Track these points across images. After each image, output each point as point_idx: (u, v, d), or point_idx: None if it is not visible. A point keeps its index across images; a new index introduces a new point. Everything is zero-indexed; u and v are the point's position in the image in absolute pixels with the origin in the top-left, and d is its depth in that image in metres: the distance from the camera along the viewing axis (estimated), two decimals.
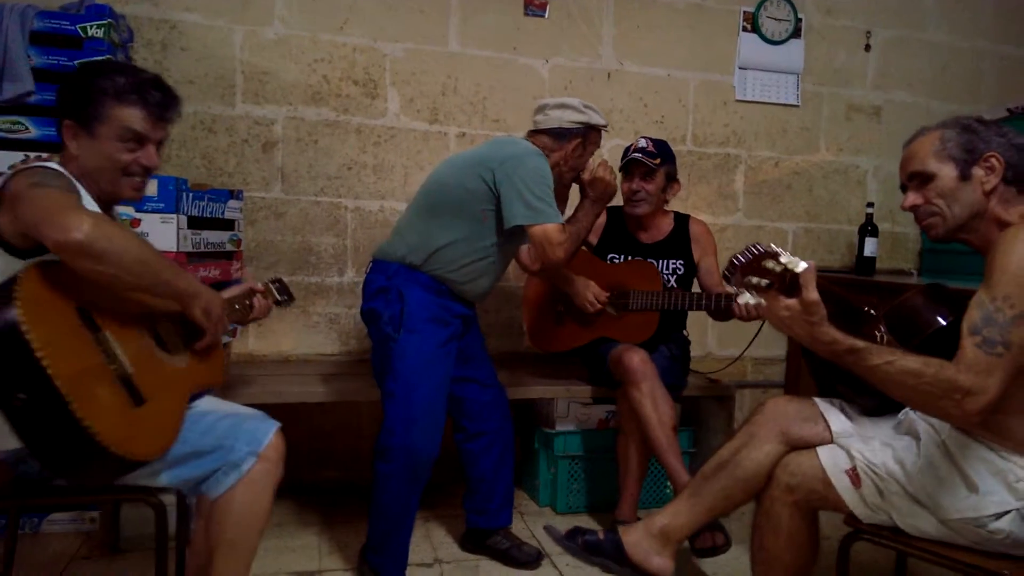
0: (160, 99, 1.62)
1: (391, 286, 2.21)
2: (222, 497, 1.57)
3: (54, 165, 1.56)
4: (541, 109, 2.34)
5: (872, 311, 1.56)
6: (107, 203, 1.69)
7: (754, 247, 1.47)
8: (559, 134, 2.29)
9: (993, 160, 1.53)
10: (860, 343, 1.45)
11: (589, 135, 2.33)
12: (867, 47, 3.68)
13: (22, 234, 1.43)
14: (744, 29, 3.48)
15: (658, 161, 2.66)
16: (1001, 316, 1.35)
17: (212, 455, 1.57)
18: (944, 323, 1.64)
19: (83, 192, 1.56)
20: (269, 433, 1.63)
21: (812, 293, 1.43)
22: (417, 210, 2.31)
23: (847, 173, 3.70)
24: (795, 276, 1.43)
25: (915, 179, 1.61)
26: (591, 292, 2.61)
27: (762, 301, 1.47)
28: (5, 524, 2.25)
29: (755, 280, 1.46)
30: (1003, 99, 3.61)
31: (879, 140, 3.71)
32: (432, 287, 2.22)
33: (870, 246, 3.39)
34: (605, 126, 2.36)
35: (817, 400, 1.81)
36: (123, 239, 1.39)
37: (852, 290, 3.07)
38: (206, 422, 1.61)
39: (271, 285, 2.00)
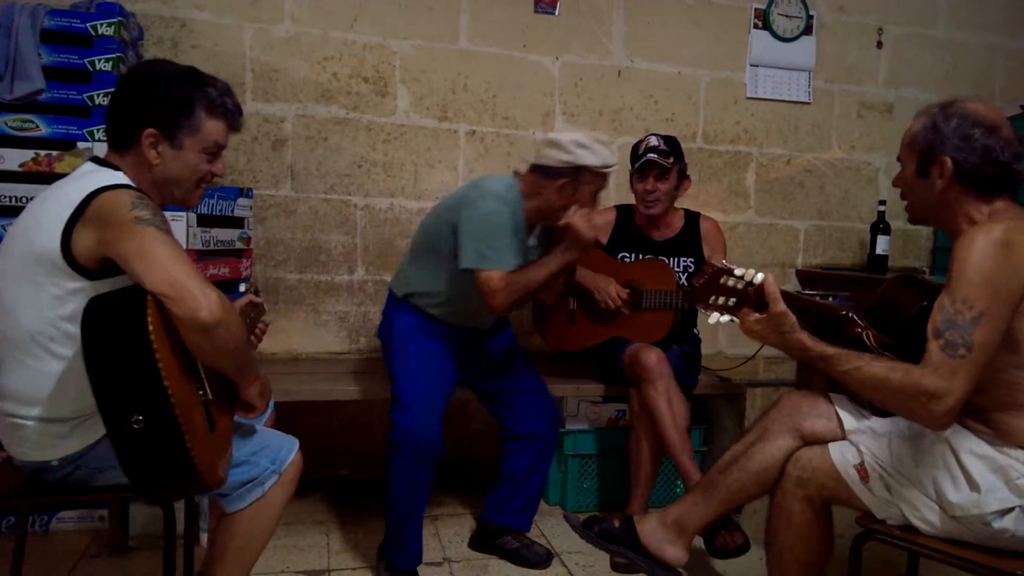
0: (235, 108, 1.63)
1: (388, 312, 2.45)
2: (240, 512, 1.60)
3: (128, 181, 1.49)
4: (543, 143, 2.28)
5: (852, 315, 1.60)
6: (161, 206, 1.64)
7: (708, 267, 1.55)
8: (547, 172, 2.21)
9: (943, 165, 1.55)
10: (830, 350, 1.52)
11: (580, 176, 2.18)
12: (879, 44, 3.65)
13: (102, 258, 1.38)
14: (755, 26, 3.46)
15: (671, 160, 2.64)
16: (961, 318, 1.40)
17: (239, 468, 1.58)
18: (924, 303, 1.68)
19: None
20: (292, 453, 1.67)
21: (779, 306, 1.51)
22: (408, 248, 2.51)
23: (859, 170, 3.68)
24: (760, 291, 1.50)
25: (899, 161, 1.68)
26: (614, 288, 2.60)
27: (733, 319, 1.54)
28: (15, 522, 2.26)
29: (722, 300, 1.54)
30: (1016, 95, 3.58)
31: (891, 137, 3.68)
32: (417, 314, 2.38)
33: (882, 244, 3.36)
34: (601, 166, 2.19)
35: (832, 396, 1.82)
36: (237, 329, 1.40)
37: (863, 288, 3.06)
38: (235, 437, 1.61)
39: (253, 294, 1.94)
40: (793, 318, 1.51)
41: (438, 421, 2.22)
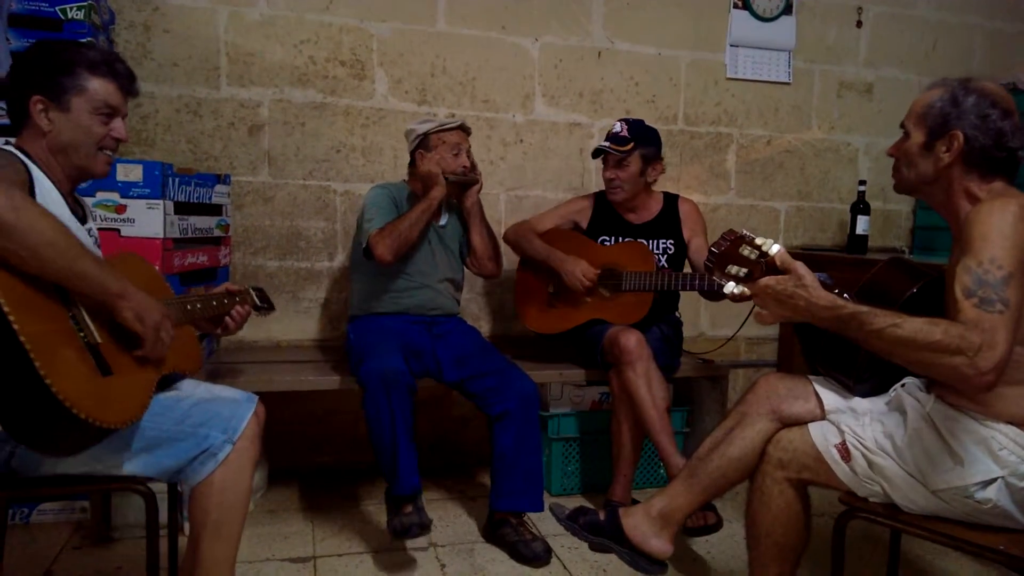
0: (126, 71, 1.66)
1: (349, 331, 2.64)
2: (202, 483, 1.58)
3: (9, 148, 1.53)
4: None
5: (844, 293, 1.58)
6: (74, 184, 1.68)
7: (729, 234, 1.49)
8: (411, 153, 2.66)
9: (955, 140, 1.53)
10: (863, 307, 1.42)
11: (426, 142, 2.59)
12: (859, 23, 3.65)
13: None
14: (735, 6, 3.44)
15: (629, 147, 2.65)
16: (991, 277, 1.35)
17: (187, 442, 1.56)
18: (915, 290, 1.67)
19: (38, 175, 1.53)
20: (244, 419, 1.63)
21: (794, 262, 1.43)
22: (351, 270, 2.80)
23: (839, 151, 3.69)
24: (772, 262, 1.44)
25: (902, 130, 1.64)
26: (580, 270, 2.62)
27: (745, 290, 1.47)
28: None
29: (735, 270, 1.48)
30: (994, 75, 3.58)
31: (871, 117, 3.69)
32: (373, 321, 2.59)
33: (862, 224, 3.38)
34: (438, 127, 2.57)
35: (810, 377, 1.82)
36: (33, 218, 1.31)
37: (844, 268, 3.08)
38: (181, 408, 1.60)
39: (251, 291, 1.99)
40: (812, 275, 1.44)
41: (402, 358, 2.29)
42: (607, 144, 2.67)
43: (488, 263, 2.70)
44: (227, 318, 1.88)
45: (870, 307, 1.43)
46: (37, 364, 1.26)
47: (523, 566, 2.32)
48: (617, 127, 2.70)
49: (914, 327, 1.36)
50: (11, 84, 1.59)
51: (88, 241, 1.63)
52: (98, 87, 1.60)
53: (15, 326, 1.25)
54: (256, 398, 1.71)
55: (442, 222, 2.69)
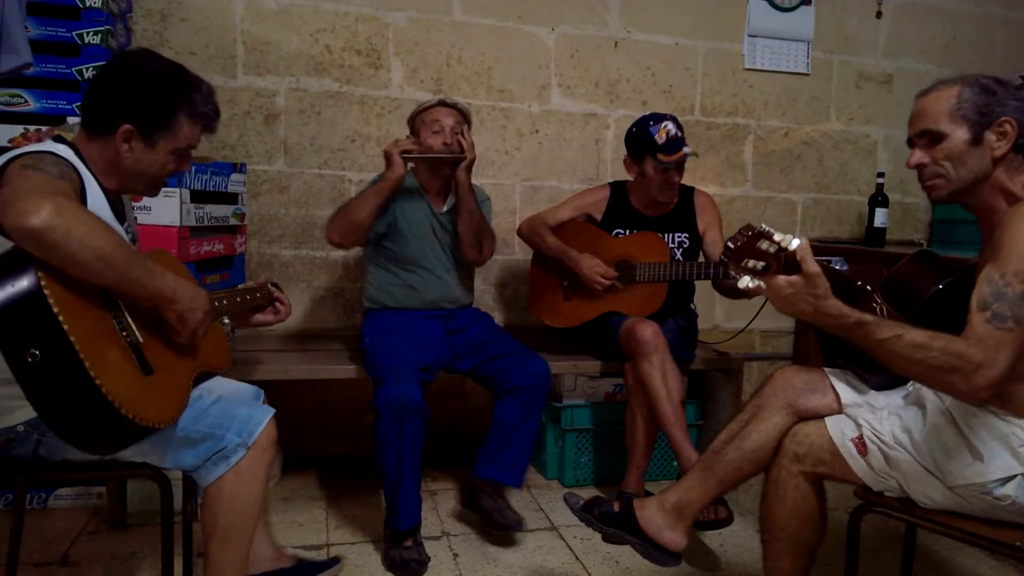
0: (215, 112, 1.66)
1: (363, 326, 2.61)
2: (212, 486, 1.57)
3: (61, 151, 1.50)
4: None
5: (867, 285, 1.55)
6: (121, 192, 1.67)
7: (747, 229, 1.46)
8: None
9: (1007, 126, 1.50)
10: (868, 316, 1.44)
11: (414, 123, 2.57)
12: (878, 14, 3.60)
13: None
14: None
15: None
16: (1010, 291, 1.34)
17: (204, 444, 1.56)
18: (940, 287, 1.64)
19: (90, 182, 1.52)
20: (261, 423, 1.62)
21: (812, 266, 1.42)
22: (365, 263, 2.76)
23: (857, 143, 3.65)
24: (791, 256, 1.42)
25: (925, 136, 1.57)
26: (597, 272, 2.60)
27: (761, 284, 1.46)
28: (12, 500, 2.25)
29: (751, 263, 1.46)
30: (1015, 65, 3.54)
31: (890, 109, 3.65)
32: (388, 316, 2.57)
33: (880, 217, 3.35)
34: (419, 108, 2.54)
35: (827, 370, 1.80)
36: (83, 234, 1.29)
37: (862, 261, 3.05)
38: (199, 407, 1.59)
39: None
40: (826, 282, 1.43)
41: (418, 385, 2.23)
42: (688, 150, 2.55)
43: (469, 250, 2.57)
44: (277, 303, 1.88)
45: (874, 317, 1.44)
46: (87, 364, 1.27)
47: (525, 553, 2.33)
48: (673, 128, 2.57)
49: (913, 340, 1.37)
50: (102, 97, 1.55)
51: (125, 239, 1.63)
52: (188, 132, 1.59)
53: (65, 326, 1.27)
54: (272, 411, 1.68)
55: (444, 208, 2.61)
